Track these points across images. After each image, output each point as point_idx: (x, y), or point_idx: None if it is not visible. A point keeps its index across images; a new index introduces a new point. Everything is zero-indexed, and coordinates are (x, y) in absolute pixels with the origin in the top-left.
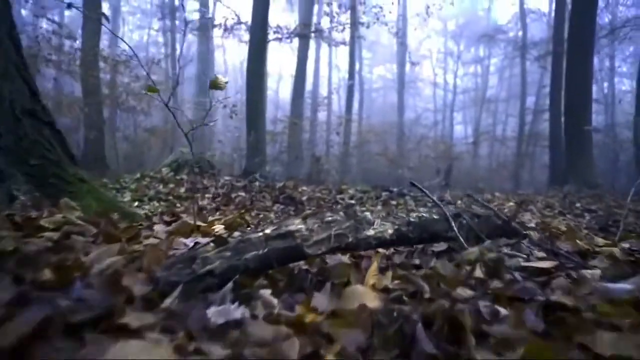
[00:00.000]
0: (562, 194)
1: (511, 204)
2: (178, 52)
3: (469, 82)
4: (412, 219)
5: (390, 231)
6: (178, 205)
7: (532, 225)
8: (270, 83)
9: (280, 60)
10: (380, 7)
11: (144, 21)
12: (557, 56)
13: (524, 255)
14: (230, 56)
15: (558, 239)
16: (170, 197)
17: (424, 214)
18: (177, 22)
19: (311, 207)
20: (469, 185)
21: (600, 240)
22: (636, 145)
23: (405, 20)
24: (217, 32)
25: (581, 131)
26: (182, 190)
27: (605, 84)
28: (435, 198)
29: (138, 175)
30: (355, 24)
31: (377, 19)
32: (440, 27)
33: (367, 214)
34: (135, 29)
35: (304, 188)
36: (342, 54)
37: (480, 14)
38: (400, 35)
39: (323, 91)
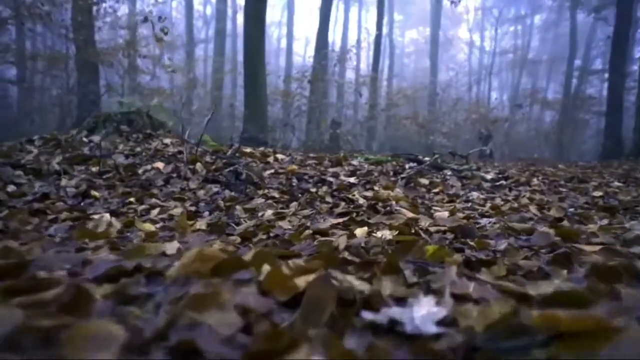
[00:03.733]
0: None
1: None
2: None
3: (507, 43)
4: None
5: None
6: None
7: None
8: (297, 48)
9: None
10: None
11: None
12: (625, 4)
13: None
14: None
15: None
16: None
17: None
18: None
19: (270, 188)
20: (511, 154)
21: None
22: None
23: None
24: None
25: None
26: (57, 160)
27: None
28: None
29: (37, 137)
30: None
31: None
32: None
33: None
34: None
35: (279, 156)
36: (372, 17)
37: None
38: None
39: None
